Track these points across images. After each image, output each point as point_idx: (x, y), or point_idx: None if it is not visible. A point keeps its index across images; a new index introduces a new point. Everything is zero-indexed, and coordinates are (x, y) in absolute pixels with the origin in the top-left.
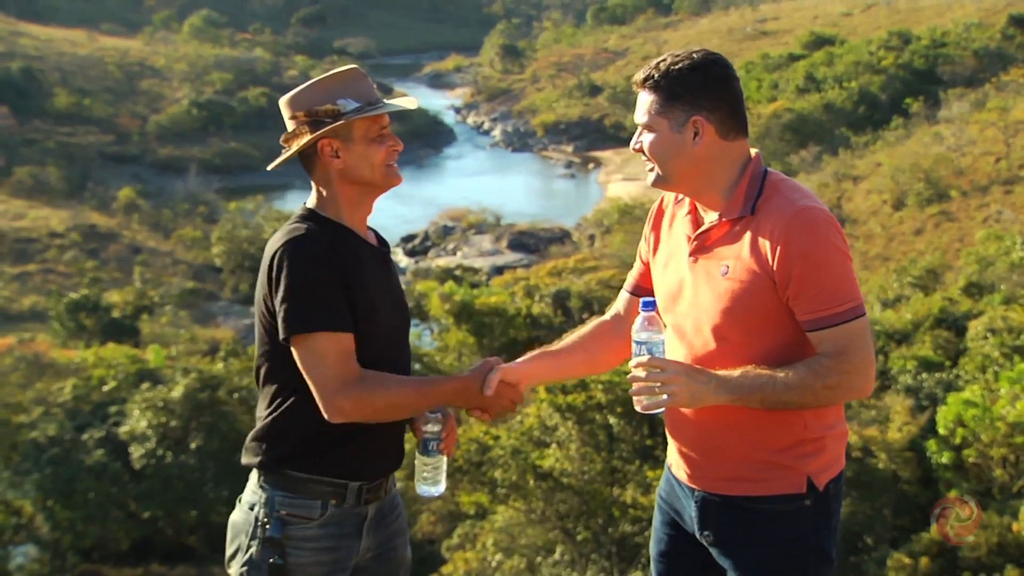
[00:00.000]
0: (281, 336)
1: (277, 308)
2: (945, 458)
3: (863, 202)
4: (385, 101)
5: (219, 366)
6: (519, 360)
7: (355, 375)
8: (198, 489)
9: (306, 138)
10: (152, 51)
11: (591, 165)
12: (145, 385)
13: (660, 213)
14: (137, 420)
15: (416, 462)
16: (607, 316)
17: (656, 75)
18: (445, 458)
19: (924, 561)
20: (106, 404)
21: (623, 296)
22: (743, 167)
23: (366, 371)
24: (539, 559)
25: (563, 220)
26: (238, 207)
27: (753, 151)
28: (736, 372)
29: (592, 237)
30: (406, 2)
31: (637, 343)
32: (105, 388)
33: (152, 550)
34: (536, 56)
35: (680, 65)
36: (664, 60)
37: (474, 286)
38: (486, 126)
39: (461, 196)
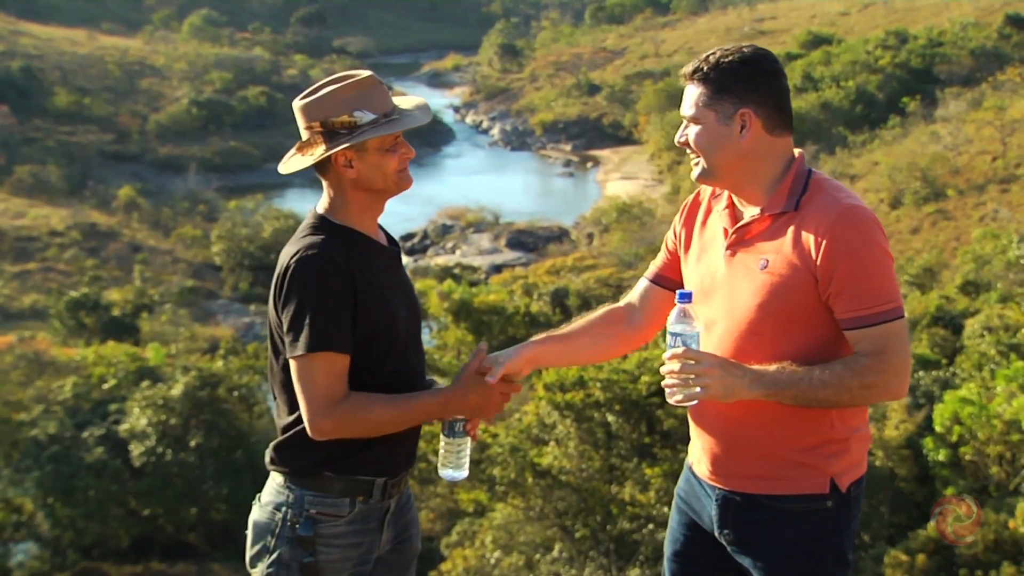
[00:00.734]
0: (287, 355)
1: (284, 326)
2: (942, 456)
3: None
4: (399, 106)
5: (219, 364)
6: (523, 344)
7: (339, 397)
8: (198, 486)
9: (321, 149)
10: (152, 50)
11: (589, 164)
12: (145, 383)
13: (695, 206)
14: (137, 418)
15: (441, 445)
16: (620, 304)
17: (705, 67)
18: (470, 440)
19: (921, 558)
20: (106, 402)
21: (642, 284)
22: (787, 164)
23: (353, 393)
24: (537, 556)
25: (561, 219)
26: (238, 206)
27: (797, 151)
28: (772, 367)
29: (590, 236)
30: (405, 1)
31: (672, 335)
32: (105, 386)
33: (152, 547)
34: (534, 55)
35: (730, 58)
36: (713, 53)
37: (473, 284)
38: (485, 125)
39: (460, 195)
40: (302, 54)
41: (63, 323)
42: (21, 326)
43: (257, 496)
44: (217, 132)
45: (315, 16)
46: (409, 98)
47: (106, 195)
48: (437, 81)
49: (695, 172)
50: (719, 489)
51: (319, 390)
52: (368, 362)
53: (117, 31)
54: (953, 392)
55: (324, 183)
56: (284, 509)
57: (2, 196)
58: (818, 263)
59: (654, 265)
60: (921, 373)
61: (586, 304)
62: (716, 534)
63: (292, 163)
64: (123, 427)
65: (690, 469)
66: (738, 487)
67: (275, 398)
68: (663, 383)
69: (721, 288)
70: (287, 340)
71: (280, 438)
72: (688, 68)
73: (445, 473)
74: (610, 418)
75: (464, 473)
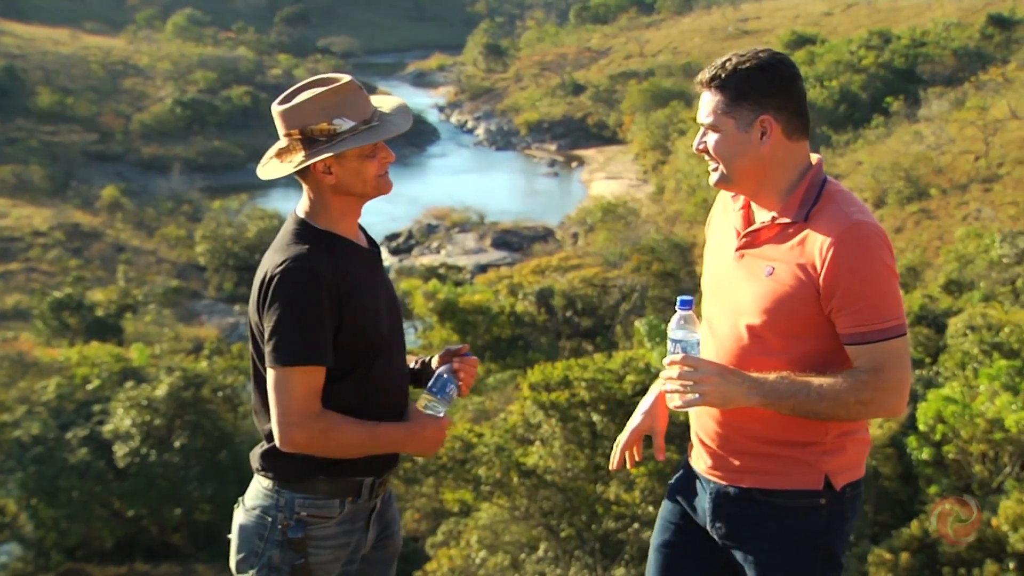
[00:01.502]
0: (264, 366)
1: (265, 337)
2: (925, 454)
3: None
4: (378, 109)
5: (203, 364)
6: (643, 414)
7: (316, 411)
8: (182, 487)
9: (300, 156)
10: (135, 50)
11: (574, 164)
12: (129, 384)
13: (715, 210)
14: (121, 419)
15: (426, 402)
16: None
17: (723, 74)
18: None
19: (904, 556)
20: (90, 403)
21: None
22: (804, 171)
23: (326, 411)
24: (523, 556)
25: (546, 218)
26: (222, 206)
27: (815, 157)
28: (771, 376)
29: (575, 235)
30: (389, 1)
31: (672, 341)
32: (89, 387)
33: (136, 548)
34: (519, 55)
35: (747, 64)
36: (730, 60)
37: (458, 284)
38: (469, 125)
39: (445, 195)
40: (286, 54)
41: (46, 323)
42: (4, 327)
43: (240, 499)
44: (201, 132)
45: (299, 16)
46: (387, 98)
47: (89, 195)
48: (422, 81)
49: (713, 178)
50: (714, 483)
51: (296, 403)
52: (355, 368)
53: (100, 31)
54: (936, 391)
55: (304, 187)
56: (274, 513)
57: None
58: (821, 277)
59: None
60: None
61: (571, 304)
62: (708, 527)
63: (271, 169)
64: (107, 428)
65: (688, 463)
66: (733, 481)
67: (260, 403)
68: (663, 388)
69: (727, 288)
70: (267, 350)
71: (268, 445)
72: (704, 75)
73: (426, 406)
74: (595, 417)
75: (441, 412)
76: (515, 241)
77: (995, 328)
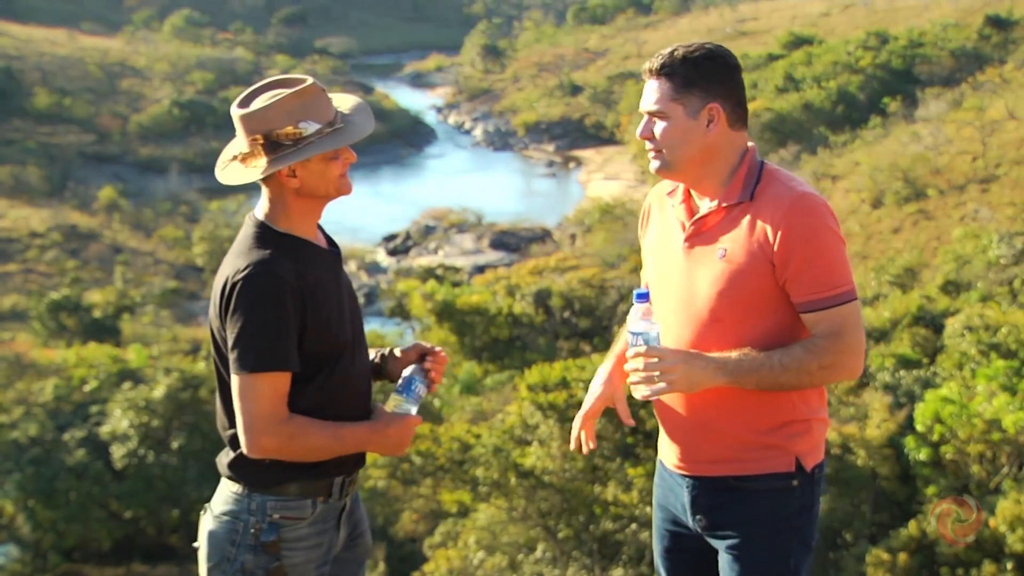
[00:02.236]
0: (230, 374)
1: (230, 344)
2: (923, 455)
3: (842, 201)
4: (339, 111)
5: (201, 365)
6: (602, 380)
7: (283, 417)
8: (180, 488)
9: (263, 161)
10: (133, 51)
11: (572, 164)
12: (126, 385)
13: (649, 209)
14: (119, 420)
15: (394, 402)
16: None
17: (672, 62)
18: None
19: (902, 557)
20: (87, 404)
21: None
22: (742, 156)
23: (293, 416)
24: (521, 557)
25: (544, 219)
26: (219, 207)
27: (750, 143)
28: (733, 354)
29: (573, 236)
30: (387, 2)
31: (633, 334)
32: (86, 388)
33: (134, 549)
34: (517, 56)
35: (696, 53)
36: (676, 50)
37: (455, 285)
38: (467, 126)
39: (442, 195)
40: (284, 55)
41: (44, 325)
42: (1, 328)
43: (206, 506)
44: (199, 133)
45: (297, 16)
46: (345, 97)
47: (87, 196)
48: (419, 82)
49: (654, 165)
50: (688, 477)
51: (263, 409)
52: (320, 370)
53: (97, 31)
54: (934, 391)
55: (263, 188)
56: (245, 517)
57: None
58: (775, 250)
59: (644, 279)
60: (902, 372)
61: (569, 304)
62: (691, 523)
63: (233, 175)
64: (104, 429)
65: (661, 463)
66: (706, 471)
67: (224, 409)
68: (628, 380)
69: (680, 280)
70: (232, 356)
71: (235, 453)
72: (652, 63)
73: (395, 404)
74: None
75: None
76: (513, 242)
77: (993, 328)
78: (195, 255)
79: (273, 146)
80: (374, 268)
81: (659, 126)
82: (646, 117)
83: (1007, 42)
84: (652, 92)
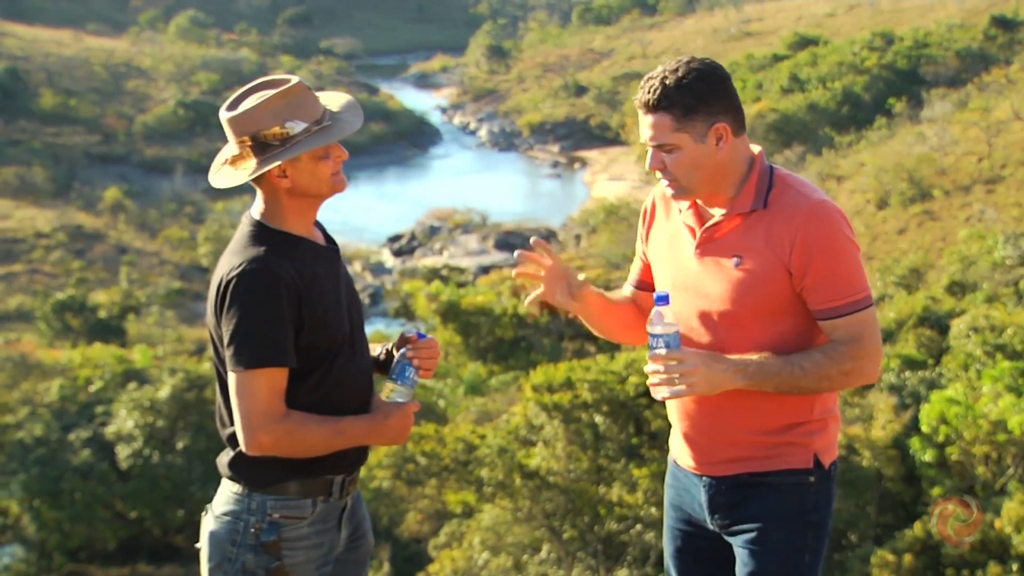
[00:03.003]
0: (227, 368)
1: (225, 342)
2: (928, 456)
3: (847, 202)
4: (327, 108)
5: (206, 366)
6: (583, 282)
7: (280, 413)
8: (185, 489)
9: (253, 163)
10: (138, 51)
11: (577, 165)
12: (132, 385)
13: (654, 208)
14: (124, 420)
15: (389, 390)
16: (630, 298)
17: (667, 94)
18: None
19: (908, 558)
20: (92, 404)
21: (627, 290)
22: (750, 163)
23: (291, 411)
24: (525, 557)
25: (549, 220)
26: (224, 207)
27: (756, 148)
28: (754, 357)
29: (578, 237)
30: (392, 2)
31: (653, 336)
32: (91, 388)
33: (139, 550)
34: (522, 56)
35: (687, 78)
36: (664, 79)
37: (460, 286)
38: (472, 126)
39: (447, 196)
40: (289, 55)
41: (49, 325)
42: (7, 328)
43: (207, 507)
44: (204, 133)
45: (302, 17)
46: (335, 96)
47: (92, 197)
48: (424, 82)
49: (670, 193)
50: (706, 477)
51: (260, 405)
52: (319, 366)
53: (103, 32)
54: (939, 392)
55: (258, 189)
56: (245, 517)
57: None
58: (792, 258)
59: (634, 272)
60: (908, 373)
61: None
62: (708, 522)
63: (225, 177)
64: (110, 429)
65: (675, 464)
66: (724, 471)
67: (225, 408)
68: (648, 382)
69: (693, 286)
70: (228, 353)
71: (234, 452)
72: (647, 98)
73: (391, 394)
74: (598, 419)
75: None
76: (518, 242)
77: (998, 329)
78: (200, 255)
79: (261, 147)
80: (379, 269)
81: (670, 157)
82: (651, 151)
83: (1013, 43)
84: (654, 127)
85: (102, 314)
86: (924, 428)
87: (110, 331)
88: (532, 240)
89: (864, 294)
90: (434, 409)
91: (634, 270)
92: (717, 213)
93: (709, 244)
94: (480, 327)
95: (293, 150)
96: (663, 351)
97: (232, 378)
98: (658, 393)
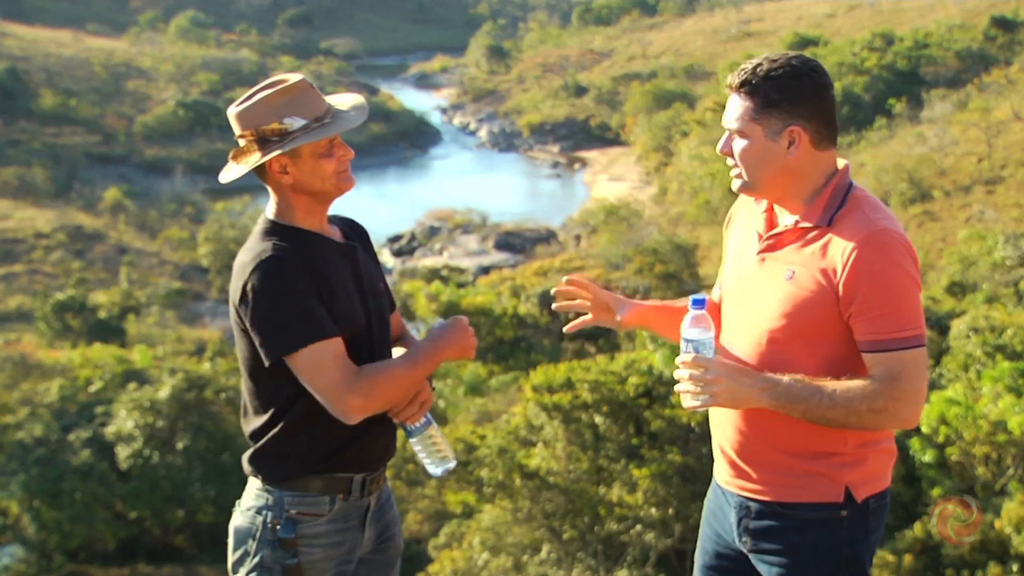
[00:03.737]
0: (266, 361)
1: (263, 333)
2: (928, 456)
3: None
4: (333, 107)
5: (206, 366)
6: (635, 303)
7: (354, 371)
8: (185, 489)
9: (255, 156)
10: (138, 52)
11: (577, 165)
12: (132, 385)
13: (737, 210)
14: (124, 420)
15: (414, 448)
16: (716, 303)
17: (753, 79)
18: (433, 427)
19: (908, 558)
20: (92, 404)
21: (716, 292)
22: (829, 177)
23: (361, 368)
24: (525, 558)
25: (549, 220)
26: (225, 207)
27: (842, 162)
28: (784, 378)
29: (578, 237)
30: (392, 3)
31: (685, 340)
32: (91, 389)
33: (139, 550)
34: (522, 57)
35: (779, 71)
36: (761, 65)
37: (460, 286)
38: (472, 127)
39: (447, 196)
40: (289, 56)
41: (49, 325)
42: (7, 328)
43: (237, 502)
44: (204, 134)
45: (302, 17)
46: (346, 97)
47: (92, 197)
48: (424, 83)
49: (736, 184)
50: (737, 496)
51: (335, 374)
52: None
53: (103, 32)
54: (939, 393)
55: (268, 189)
56: (264, 512)
57: None
58: (841, 283)
59: (719, 277)
60: None
61: None
62: (737, 542)
63: (229, 172)
64: (109, 430)
65: (715, 479)
66: (754, 494)
67: (251, 403)
68: (676, 388)
69: (749, 291)
70: (274, 346)
71: (254, 447)
72: (735, 79)
73: (433, 471)
74: (598, 419)
75: (451, 463)
76: (518, 243)
77: (998, 330)
78: (200, 256)
79: (263, 142)
80: None
81: (738, 144)
82: (727, 132)
83: (1013, 43)
84: (733, 109)
85: (102, 314)
86: (924, 428)
87: (110, 331)
88: (564, 280)
89: (913, 333)
90: (434, 409)
91: (720, 276)
92: (787, 223)
93: (769, 251)
94: (480, 327)
95: (290, 144)
96: (690, 357)
97: (295, 366)
98: (685, 402)
